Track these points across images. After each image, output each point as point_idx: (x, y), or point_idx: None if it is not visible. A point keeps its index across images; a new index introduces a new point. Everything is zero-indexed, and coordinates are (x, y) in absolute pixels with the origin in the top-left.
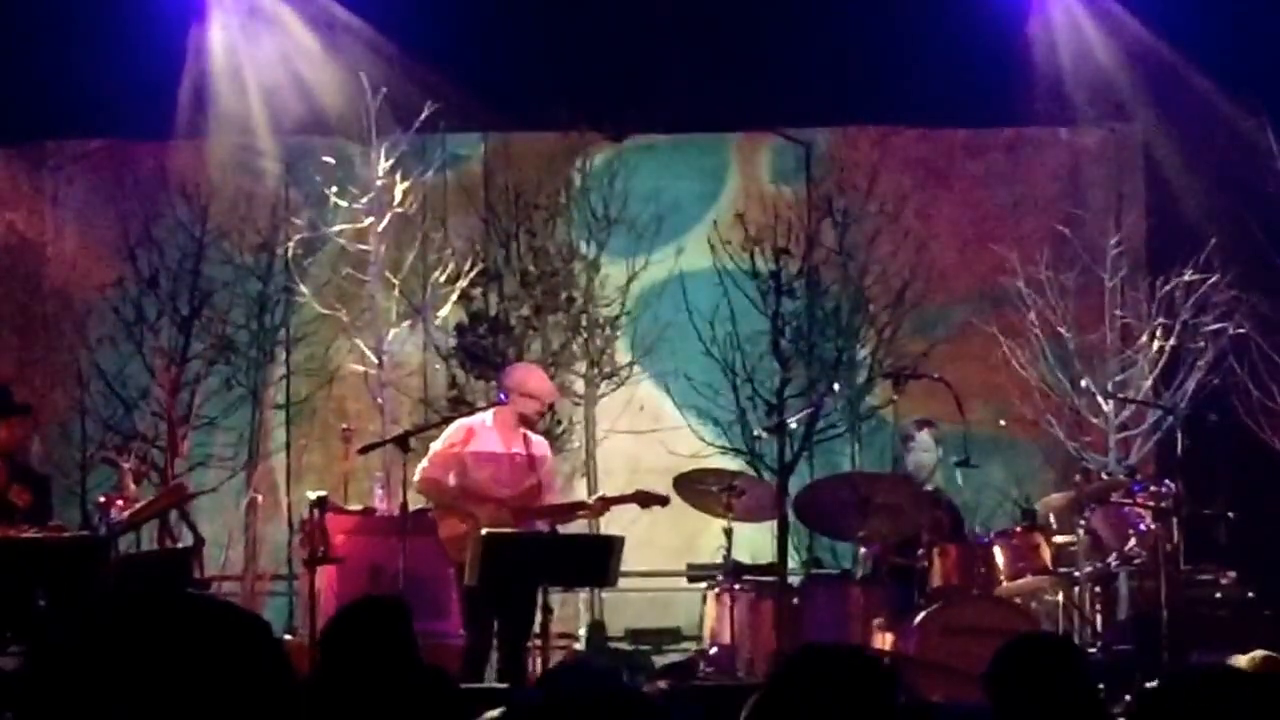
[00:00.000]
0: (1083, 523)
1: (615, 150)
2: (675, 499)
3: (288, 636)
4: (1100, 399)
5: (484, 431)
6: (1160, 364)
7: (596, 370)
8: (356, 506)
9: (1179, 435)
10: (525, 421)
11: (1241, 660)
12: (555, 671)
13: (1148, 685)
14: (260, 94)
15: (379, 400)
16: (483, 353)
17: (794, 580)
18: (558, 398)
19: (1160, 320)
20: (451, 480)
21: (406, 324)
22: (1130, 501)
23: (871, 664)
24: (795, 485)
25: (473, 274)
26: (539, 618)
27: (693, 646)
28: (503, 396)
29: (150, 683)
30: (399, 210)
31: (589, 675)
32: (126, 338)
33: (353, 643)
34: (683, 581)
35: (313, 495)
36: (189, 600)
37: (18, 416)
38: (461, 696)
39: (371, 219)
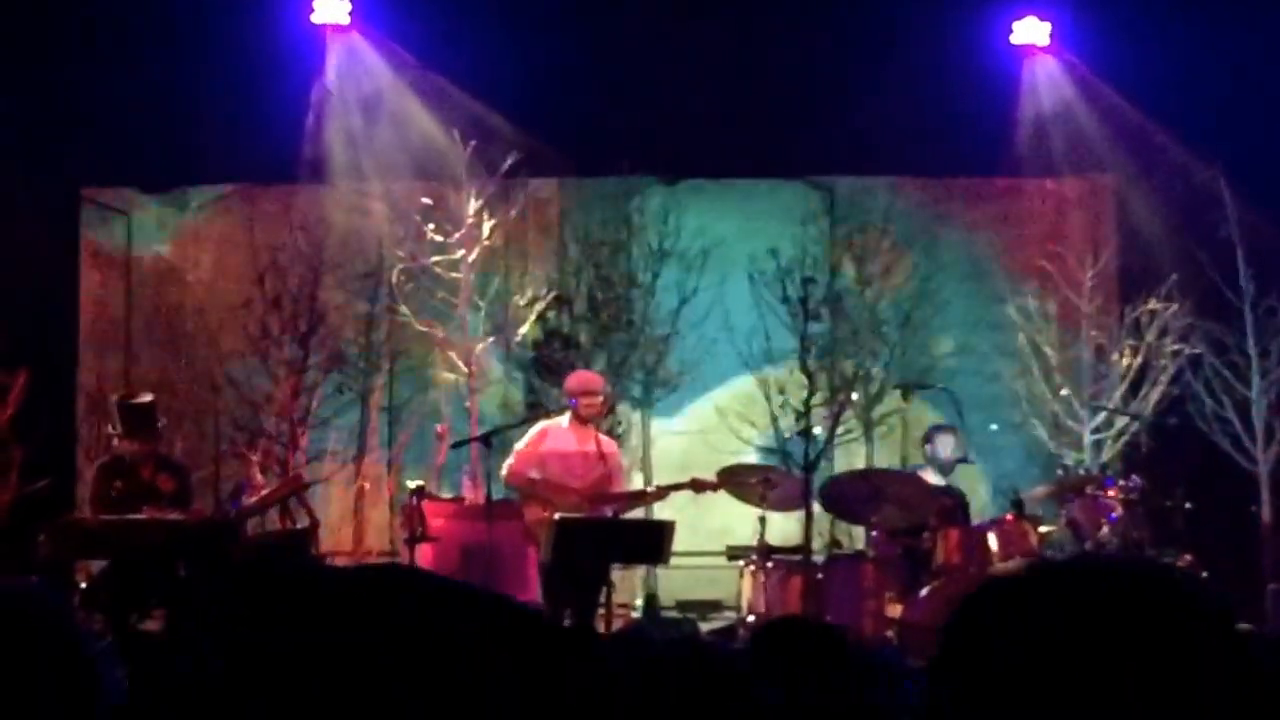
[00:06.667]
0: (1063, 512)
1: (668, 193)
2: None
3: None
4: (1078, 407)
5: (559, 432)
6: (1128, 378)
7: (652, 378)
8: (449, 494)
9: (1144, 438)
10: (581, 419)
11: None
12: (620, 635)
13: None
14: (368, 144)
15: (467, 404)
16: (555, 365)
17: (818, 559)
18: (596, 389)
19: (1129, 341)
20: (533, 474)
21: (491, 340)
22: (1103, 494)
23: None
24: (819, 479)
25: (548, 298)
26: (603, 590)
27: (732, 616)
28: (572, 402)
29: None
30: (486, 244)
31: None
32: (254, 351)
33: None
34: (723, 560)
35: (412, 484)
36: (307, 570)
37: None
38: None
39: (463, 251)
